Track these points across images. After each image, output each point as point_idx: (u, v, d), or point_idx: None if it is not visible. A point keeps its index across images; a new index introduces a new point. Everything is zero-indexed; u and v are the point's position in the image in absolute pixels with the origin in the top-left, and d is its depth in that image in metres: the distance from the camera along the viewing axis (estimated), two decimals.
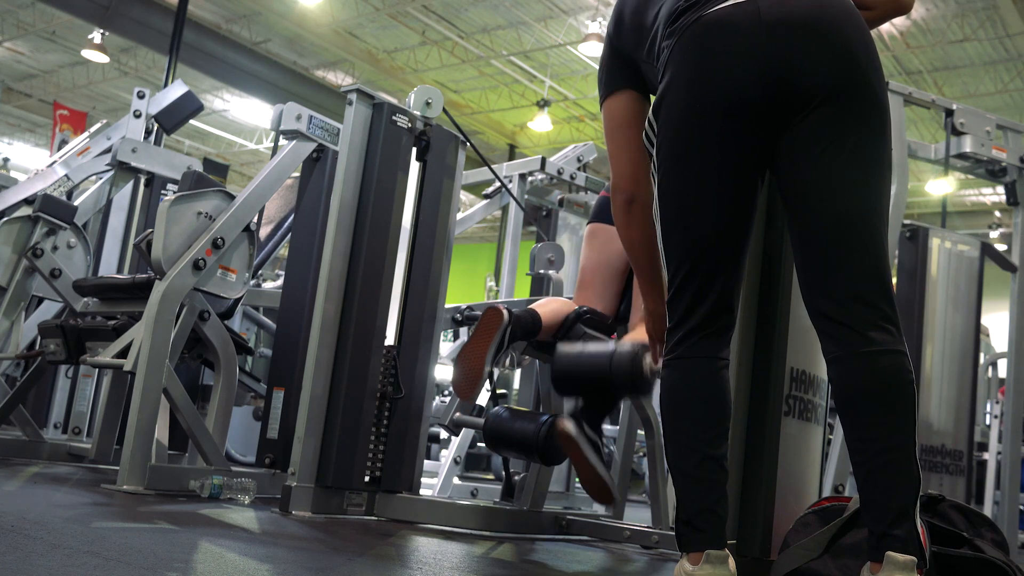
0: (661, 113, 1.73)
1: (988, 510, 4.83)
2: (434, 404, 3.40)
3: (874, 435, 1.59)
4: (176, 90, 4.82)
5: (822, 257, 1.66)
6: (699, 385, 1.71)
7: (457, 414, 3.20)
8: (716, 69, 1.65)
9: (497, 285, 5.82)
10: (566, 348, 2.66)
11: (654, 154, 1.77)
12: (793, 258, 1.75)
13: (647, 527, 3.00)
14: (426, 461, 3.45)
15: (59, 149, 5.31)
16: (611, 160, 2.03)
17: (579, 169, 4.92)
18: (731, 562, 1.66)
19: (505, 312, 2.66)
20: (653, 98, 1.80)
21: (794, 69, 1.62)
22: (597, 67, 2.05)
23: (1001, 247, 4.62)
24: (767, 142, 1.68)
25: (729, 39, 1.64)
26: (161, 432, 3.09)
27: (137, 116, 4.61)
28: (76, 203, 4.01)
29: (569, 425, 2.44)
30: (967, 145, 4.03)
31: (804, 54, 1.62)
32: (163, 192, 4.53)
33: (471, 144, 3.33)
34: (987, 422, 6.21)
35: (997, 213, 15.46)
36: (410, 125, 3.10)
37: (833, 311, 1.64)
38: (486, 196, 4.96)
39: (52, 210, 3.77)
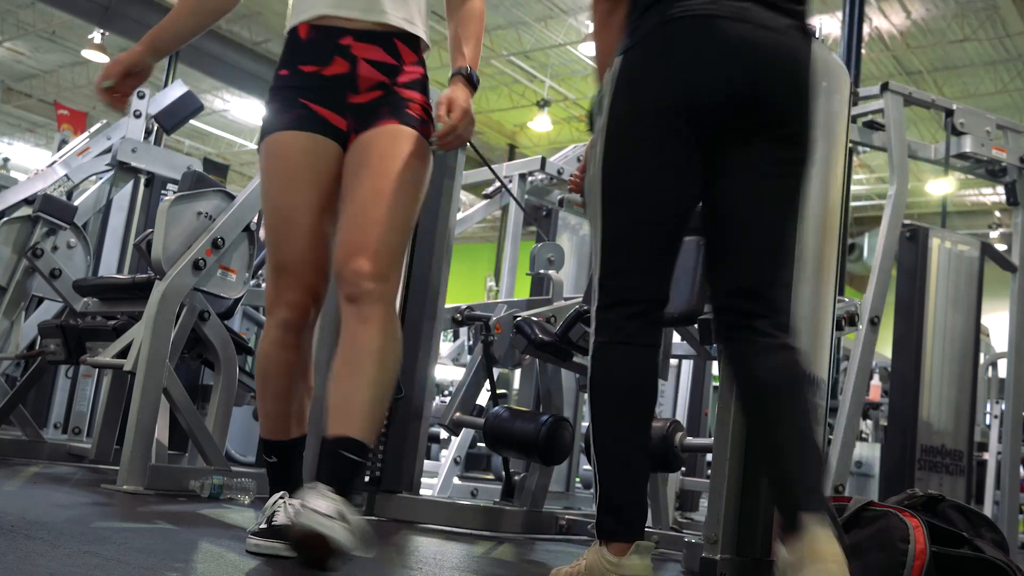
0: (625, 90, 1.72)
1: (988, 510, 4.83)
2: (434, 404, 3.40)
3: (788, 418, 1.65)
4: (176, 90, 4.82)
5: (745, 266, 1.75)
6: (639, 373, 1.72)
7: (457, 414, 3.20)
8: (696, 67, 1.68)
9: (497, 285, 5.82)
10: None
11: (604, 118, 1.75)
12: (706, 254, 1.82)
13: (647, 527, 3.00)
14: (426, 461, 3.45)
15: (59, 149, 5.31)
16: None
17: None
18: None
19: None
20: None
21: (761, 92, 1.68)
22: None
23: (1001, 247, 4.62)
24: (712, 150, 1.71)
25: (715, 44, 1.67)
26: (161, 432, 3.09)
27: (137, 116, 4.61)
28: (76, 203, 4.01)
29: None
30: (967, 145, 4.03)
31: (774, 82, 1.69)
32: (163, 192, 4.53)
33: (471, 144, 3.33)
34: (987, 422, 6.20)
35: (997, 213, 15.45)
36: None
37: (748, 307, 1.74)
38: (486, 196, 4.96)
39: (52, 210, 3.77)
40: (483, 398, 3.47)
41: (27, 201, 3.81)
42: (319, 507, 1.58)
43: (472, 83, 2.04)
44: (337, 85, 1.96)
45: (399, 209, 1.90)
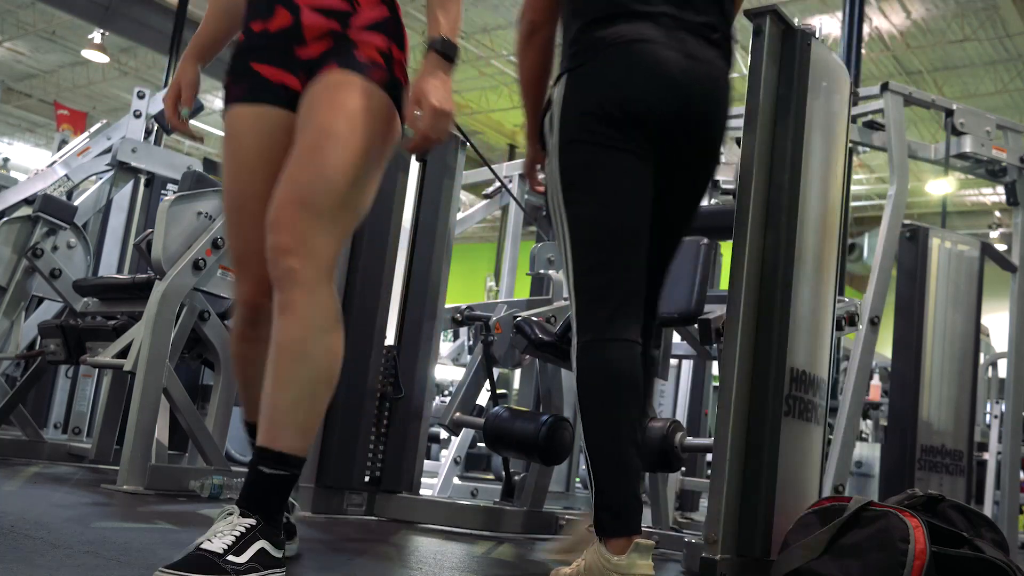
0: (572, 106, 1.82)
1: (988, 510, 4.83)
2: (434, 404, 3.40)
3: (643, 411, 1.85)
4: None
5: (663, 271, 1.97)
6: (629, 368, 1.76)
7: (457, 414, 3.20)
8: (635, 86, 1.81)
9: (497, 285, 5.82)
10: None
11: (555, 135, 1.84)
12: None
13: (647, 527, 3.00)
14: (426, 461, 3.45)
15: (59, 149, 5.31)
16: None
17: None
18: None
19: None
20: None
21: (689, 115, 1.84)
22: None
23: (1001, 247, 4.62)
24: (658, 161, 1.85)
25: (648, 67, 1.82)
26: (161, 432, 3.09)
27: (137, 116, 4.61)
28: (76, 203, 4.01)
29: None
30: (967, 145, 4.03)
31: (701, 107, 1.86)
32: (163, 192, 4.53)
33: (471, 144, 3.33)
34: (987, 422, 6.20)
35: (997, 213, 15.45)
36: None
37: (655, 317, 1.96)
38: (486, 196, 4.96)
39: (52, 210, 3.77)
40: (483, 398, 3.47)
41: (27, 201, 3.82)
42: (206, 547, 1.42)
43: (449, 57, 1.70)
44: (283, 40, 1.73)
45: (328, 168, 1.61)
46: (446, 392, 7.59)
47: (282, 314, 1.57)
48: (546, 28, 2.01)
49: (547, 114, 1.90)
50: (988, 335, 6.53)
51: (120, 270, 4.71)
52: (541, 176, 2.16)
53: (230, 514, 1.51)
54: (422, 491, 3.22)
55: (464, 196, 9.24)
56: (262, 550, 1.48)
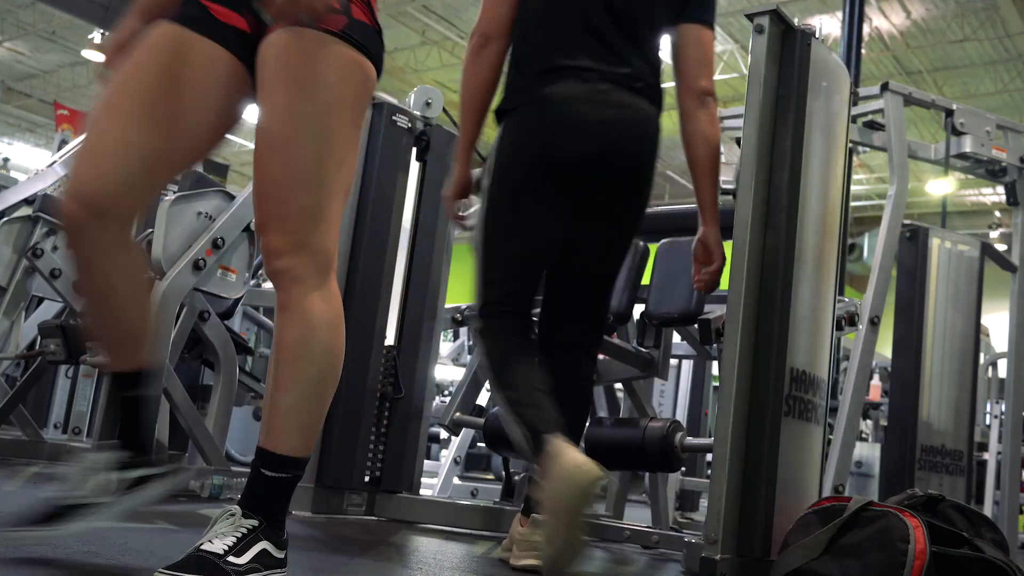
0: (505, 153, 2.10)
1: (988, 510, 4.83)
2: (434, 404, 3.40)
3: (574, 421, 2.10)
4: None
5: (604, 291, 2.22)
6: (518, 331, 2.09)
7: (457, 414, 3.20)
8: (562, 138, 2.05)
9: None
10: (596, 430, 2.83)
11: (489, 178, 2.11)
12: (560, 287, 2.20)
13: (647, 527, 3.00)
14: (426, 461, 3.46)
15: (59, 149, 5.31)
16: (483, 2, 2.19)
17: None
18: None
19: None
20: None
21: (614, 160, 2.07)
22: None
23: (1001, 247, 4.61)
24: (573, 202, 2.10)
25: (575, 122, 2.05)
26: (161, 432, 3.08)
27: None
28: None
29: None
30: (967, 145, 4.03)
31: (624, 152, 2.08)
32: (163, 192, 4.52)
33: None
34: (987, 422, 6.20)
35: (997, 213, 15.45)
36: (410, 125, 3.10)
37: (577, 337, 2.19)
38: None
39: (52, 210, 3.76)
40: (483, 398, 3.47)
41: (27, 201, 3.82)
42: (206, 548, 1.41)
43: None
44: None
45: (300, 156, 1.47)
46: (446, 392, 7.58)
47: (281, 313, 1.51)
48: (497, 42, 2.14)
49: (486, 161, 2.17)
50: (988, 335, 6.53)
51: None
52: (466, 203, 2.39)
53: (232, 515, 1.50)
54: (422, 491, 3.22)
55: None
56: (264, 551, 1.47)
